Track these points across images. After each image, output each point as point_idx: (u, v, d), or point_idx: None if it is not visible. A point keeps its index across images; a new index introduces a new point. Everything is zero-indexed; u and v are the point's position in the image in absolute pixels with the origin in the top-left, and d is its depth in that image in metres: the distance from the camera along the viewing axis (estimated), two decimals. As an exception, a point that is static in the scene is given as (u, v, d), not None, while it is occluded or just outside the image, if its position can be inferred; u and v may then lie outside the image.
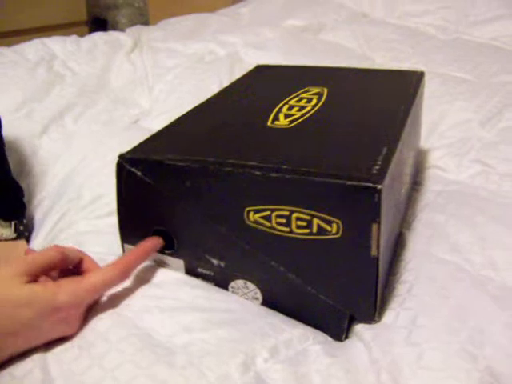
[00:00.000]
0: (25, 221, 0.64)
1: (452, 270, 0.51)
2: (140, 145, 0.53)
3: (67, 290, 0.42)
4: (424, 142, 0.81)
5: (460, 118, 0.84)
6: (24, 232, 0.63)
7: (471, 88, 0.92)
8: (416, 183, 0.71)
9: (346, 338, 0.47)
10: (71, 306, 0.42)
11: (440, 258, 0.53)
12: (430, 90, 0.90)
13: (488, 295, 0.47)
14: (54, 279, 0.45)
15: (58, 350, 0.42)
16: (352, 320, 0.47)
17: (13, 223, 0.61)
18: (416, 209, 0.64)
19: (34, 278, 0.42)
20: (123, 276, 0.47)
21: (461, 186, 0.69)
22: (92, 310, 0.46)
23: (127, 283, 0.50)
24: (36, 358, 0.41)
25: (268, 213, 0.45)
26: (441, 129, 0.83)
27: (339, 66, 0.82)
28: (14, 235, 0.61)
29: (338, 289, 0.46)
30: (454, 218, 0.60)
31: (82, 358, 0.41)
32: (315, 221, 0.44)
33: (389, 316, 0.47)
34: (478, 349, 0.41)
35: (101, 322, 0.45)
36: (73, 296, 0.42)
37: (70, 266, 0.47)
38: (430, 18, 1.29)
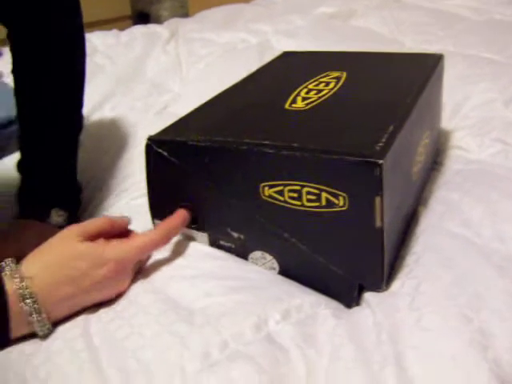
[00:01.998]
0: (77, 214, 0.70)
1: (460, 243, 0.53)
2: (166, 128, 0.58)
3: (115, 246, 0.49)
4: (448, 122, 0.82)
5: (484, 98, 0.84)
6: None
7: (498, 69, 0.92)
8: (437, 163, 0.73)
9: (357, 305, 0.50)
10: (118, 260, 0.48)
11: (450, 232, 0.55)
12: (456, 72, 0.91)
13: (491, 265, 0.49)
14: None
15: (98, 313, 0.48)
16: (362, 289, 0.51)
17: (66, 214, 0.66)
18: (434, 187, 0.66)
19: (87, 238, 0.49)
20: (165, 239, 0.52)
21: (481, 165, 0.71)
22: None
23: (157, 255, 0.55)
24: (80, 318, 0.48)
25: (281, 188, 0.49)
26: (465, 109, 0.84)
27: (363, 50, 0.84)
28: (65, 224, 0.66)
29: (347, 259, 0.49)
30: (469, 194, 0.62)
31: (116, 318, 0.47)
32: (323, 194, 0.47)
33: (396, 284, 0.50)
34: (474, 312, 0.43)
35: (132, 289, 0.50)
36: (119, 252, 0.49)
37: (118, 232, 0.53)
38: (462, -1, 1.28)
